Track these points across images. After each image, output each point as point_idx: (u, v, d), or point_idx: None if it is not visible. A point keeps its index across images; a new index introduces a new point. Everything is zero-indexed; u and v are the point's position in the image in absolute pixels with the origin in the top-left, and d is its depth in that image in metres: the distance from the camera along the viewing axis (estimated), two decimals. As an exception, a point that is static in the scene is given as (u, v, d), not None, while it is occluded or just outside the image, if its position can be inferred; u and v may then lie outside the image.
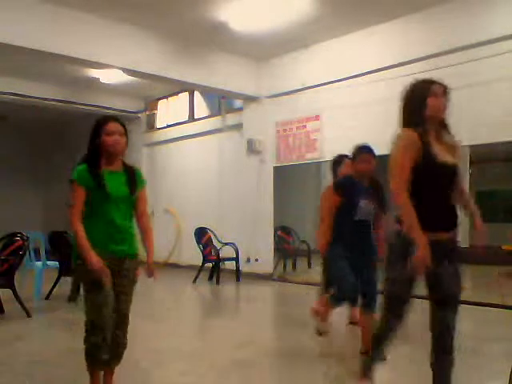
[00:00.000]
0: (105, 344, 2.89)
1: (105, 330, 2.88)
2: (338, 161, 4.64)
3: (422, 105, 2.44)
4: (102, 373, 3.05)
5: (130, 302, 3.05)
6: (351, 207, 3.87)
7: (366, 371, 2.91)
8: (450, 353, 2.52)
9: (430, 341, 2.58)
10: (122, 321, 3.00)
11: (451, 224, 2.51)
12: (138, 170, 3.16)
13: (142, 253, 3.08)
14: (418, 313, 2.65)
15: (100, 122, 2.98)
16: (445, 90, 2.47)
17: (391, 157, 2.45)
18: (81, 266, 2.88)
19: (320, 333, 4.33)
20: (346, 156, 4.40)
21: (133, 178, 3.04)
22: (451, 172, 2.47)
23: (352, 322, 5.15)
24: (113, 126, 2.94)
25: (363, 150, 4.00)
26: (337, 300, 4.06)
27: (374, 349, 2.85)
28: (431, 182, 2.40)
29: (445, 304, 2.51)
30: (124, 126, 3.01)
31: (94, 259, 2.79)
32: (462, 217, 2.63)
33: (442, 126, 2.51)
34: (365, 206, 3.86)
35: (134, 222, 3.09)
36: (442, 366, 2.54)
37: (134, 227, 3.08)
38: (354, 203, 3.85)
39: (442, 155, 2.42)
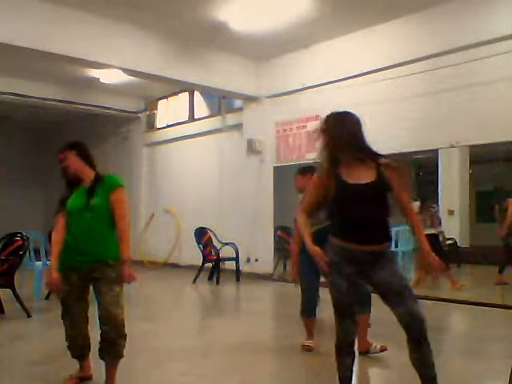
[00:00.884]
0: (75, 346, 3.32)
1: (72, 336, 3.29)
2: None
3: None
4: (104, 373, 3.11)
5: (112, 302, 3.10)
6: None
7: None
8: (424, 340, 2.57)
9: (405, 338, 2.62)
10: (107, 316, 3.08)
11: (365, 239, 2.66)
12: (108, 177, 3.29)
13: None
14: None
15: None
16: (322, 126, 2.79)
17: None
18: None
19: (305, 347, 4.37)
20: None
21: (93, 188, 3.20)
22: (364, 190, 2.67)
23: None
24: (59, 157, 3.25)
25: (297, 171, 4.48)
26: (306, 311, 4.38)
27: (339, 365, 2.80)
28: (344, 202, 2.71)
29: (398, 297, 2.60)
30: (66, 148, 3.25)
31: (53, 273, 3.19)
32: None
33: (360, 150, 2.73)
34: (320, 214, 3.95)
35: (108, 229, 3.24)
36: (421, 355, 2.58)
37: (105, 234, 3.21)
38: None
39: (353, 178, 2.69)
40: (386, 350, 4.08)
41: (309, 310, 4.38)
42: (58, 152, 3.27)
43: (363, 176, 2.69)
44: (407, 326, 2.58)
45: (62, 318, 3.32)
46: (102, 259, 3.15)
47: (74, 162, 3.23)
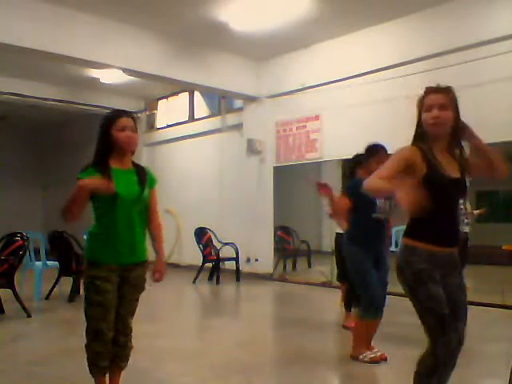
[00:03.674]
0: (106, 352, 2.79)
1: (105, 340, 2.77)
2: (359, 161, 4.29)
3: (418, 120, 2.38)
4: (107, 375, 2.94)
5: (133, 312, 2.94)
6: (370, 206, 3.86)
7: None
8: (453, 365, 2.46)
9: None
10: (124, 326, 2.89)
11: (456, 239, 2.45)
12: (148, 168, 3.00)
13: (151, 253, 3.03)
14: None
15: (111, 117, 2.79)
16: (441, 100, 2.32)
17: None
18: (87, 272, 2.80)
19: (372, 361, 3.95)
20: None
21: (143, 177, 2.87)
22: (457, 186, 2.38)
23: (345, 326, 5.03)
24: (125, 121, 2.76)
25: (379, 148, 3.96)
26: (369, 311, 3.90)
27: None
28: (438, 196, 2.28)
29: (457, 315, 2.41)
30: (135, 120, 2.87)
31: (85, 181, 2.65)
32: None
33: (453, 137, 2.40)
34: (382, 204, 3.89)
35: (144, 224, 2.96)
36: (448, 373, 2.47)
37: (145, 231, 2.95)
38: (372, 202, 3.84)
39: (448, 169, 2.33)
40: (386, 359, 3.94)
41: (370, 310, 3.89)
42: (128, 116, 2.81)
43: (453, 169, 2.33)
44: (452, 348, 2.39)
45: (94, 329, 2.77)
46: (142, 259, 2.90)
47: (137, 140, 2.84)
